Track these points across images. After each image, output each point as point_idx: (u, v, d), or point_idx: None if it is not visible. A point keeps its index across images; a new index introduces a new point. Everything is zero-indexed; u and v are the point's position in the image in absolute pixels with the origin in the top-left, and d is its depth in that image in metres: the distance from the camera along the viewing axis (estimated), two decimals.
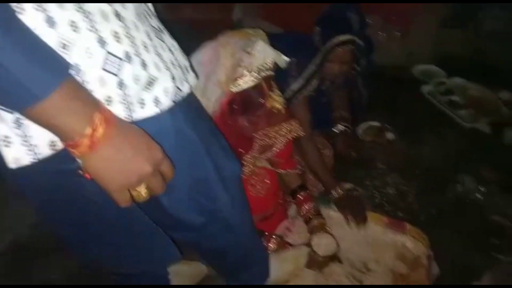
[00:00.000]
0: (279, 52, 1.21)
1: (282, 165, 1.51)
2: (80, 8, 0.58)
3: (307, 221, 1.52)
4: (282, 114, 1.33)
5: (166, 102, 0.71)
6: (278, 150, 1.42)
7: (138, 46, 0.66)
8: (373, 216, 1.60)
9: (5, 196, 1.65)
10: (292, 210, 1.63)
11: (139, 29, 0.68)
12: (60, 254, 1.62)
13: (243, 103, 1.23)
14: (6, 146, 0.62)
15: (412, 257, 1.47)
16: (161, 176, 0.66)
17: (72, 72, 0.57)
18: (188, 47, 0.88)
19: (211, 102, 1.19)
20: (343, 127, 2.01)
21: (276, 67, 1.24)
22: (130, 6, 0.68)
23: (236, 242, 1.17)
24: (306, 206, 1.53)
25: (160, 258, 1.09)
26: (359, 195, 1.80)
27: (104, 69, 0.61)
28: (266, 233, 1.49)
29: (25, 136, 0.61)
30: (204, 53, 1.21)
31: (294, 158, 1.61)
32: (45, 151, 0.63)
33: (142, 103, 0.68)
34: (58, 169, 0.68)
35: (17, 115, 0.59)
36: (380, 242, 1.52)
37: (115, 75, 0.63)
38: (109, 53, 0.61)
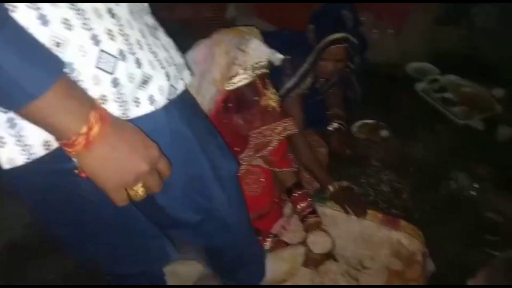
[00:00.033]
0: (273, 50, 1.21)
1: (277, 163, 1.51)
2: (73, 5, 0.58)
3: (303, 219, 1.53)
4: (277, 112, 1.33)
5: (161, 100, 0.71)
6: (273, 148, 1.42)
7: (132, 44, 0.66)
8: (368, 213, 1.61)
9: None
10: (287, 208, 1.64)
11: (133, 27, 0.68)
12: (56, 254, 1.62)
13: (237, 101, 1.23)
14: (0, 146, 0.61)
15: (407, 253, 1.48)
16: (158, 174, 0.66)
17: (66, 70, 0.56)
18: (182, 45, 0.87)
19: (206, 100, 1.19)
20: (338, 125, 2.01)
21: (271, 65, 1.24)
22: (123, 3, 0.67)
23: (233, 242, 1.17)
24: (302, 204, 1.53)
25: (157, 257, 1.09)
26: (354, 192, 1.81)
27: (98, 67, 0.61)
28: (262, 231, 1.49)
29: (19, 136, 0.61)
30: (198, 52, 1.21)
31: (289, 156, 1.61)
32: (39, 151, 0.62)
33: (137, 102, 0.67)
34: (52, 169, 0.67)
35: (11, 114, 0.59)
36: (375, 239, 1.53)
37: (110, 73, 0.62)
38: (103, 51, 0.61)
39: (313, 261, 1.45)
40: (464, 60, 2.70)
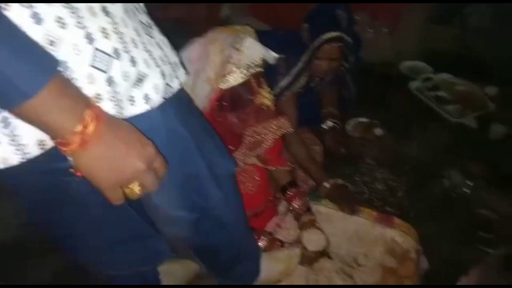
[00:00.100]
0: (268, 49, 1.21)
1: (271, 161, 1.52)
2: (67, 3, 0.57)
3: (297, 217, 1.53)
4: (271, 110, 1.34)
5: (156, 99, 0.71)
6: (267, 147, 1.42)
7: (127, 43, 0.66)
8: (362, 211, 1.62)
9: None
10: (282, 206, 1.64)
11: (128, 25, 0.67)
12: (50, 254, 1.61)
13: (232, 100, 1.23)
14: None
15: (401, 251, 1.49)
16: (154, 172, 0.65)
17: (60, 69, 0.56)
18: (176, 43, 0.87)
19: (200, 98, 1.19)
20: (332, 124, 2.02)
21: (265, 64, 1.24)
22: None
23: (229, 240, 1.17)
24: (296, 203, 1.53)
25: (151, 257, 1.09)
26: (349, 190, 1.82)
27: (93, 66, 0.60)
28: (257, 230, 1.50)
29: (13, 135, 0.60)
30: (192, 50, 1.21)
31: (283, 155, 1.62)
32: (33, 151, 0.62)
33: (132, 100, 0.67)
34: (47, 169, 0.67)
35: (5, 113, 0.58)
36: (369, 237, 1.53)
37: (104, 72, 0.62)
38: (97, 49, 0.60)
39: (307, 259, 1.45)
40: (457, 59, 2.71)
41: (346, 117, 2.25)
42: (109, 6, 0.64)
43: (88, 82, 0.60)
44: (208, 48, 1.18)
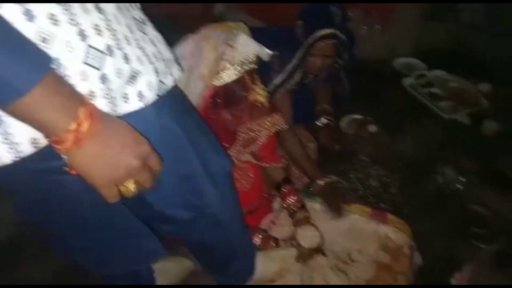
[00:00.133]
0: (262, 45, 1.21)
1: (266, 158, 1.51)
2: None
3: (292, 214, 1.53)
4: (266, 107, 1.33)
5: (150, 96, 0.71)
6: (261, 144, 1.42)
7: (119, 39, 0.65)
8: (357, 207, 1.62)
9: None
10: (276, 203, 1.64)
11: (120, 22, 0.67)
12: (45, 253, 1.60)
13: (226, 97, 1.23)
14: None
15: (395, 247, 1.50)
16: (149, 170, 0.65)
17: (53, 66, 0.56)
18: (169, 40, 0.87)
19: (194, 95, 1.19)
20: (326, 121, 2.02)
21: (259, 61, 1.23)
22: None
23: (225, 239, 1.17)
24: (291, 199, 1.53)
25: (145, 256, 1.09)
26: (342, 188, 1.82)
27: (86, 63, 0.60)
28: (251, 227, 1.50)
29: (6, 133, 0.60)
30: (186, 47, 1.21)
31: (278, 152, 1.62)
32: (27, 149, 0.62)
33: (125, 98, 0.67)
34: (40, 168, 0.67)
35: None
36: (363, 233, 1.54)
37: (97, 69, 0.62)
38: (90, 46, 0.60)
39: (302, 255, 1.46)
40: (451, 56, 2.72)
41: (340, 114, 2.25)
42: (101, 2, 0.64)
43: (81, 79, 0.60)
44: (201, 45, 1.17)
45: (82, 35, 0.59)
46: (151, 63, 0.72)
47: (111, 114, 0.64)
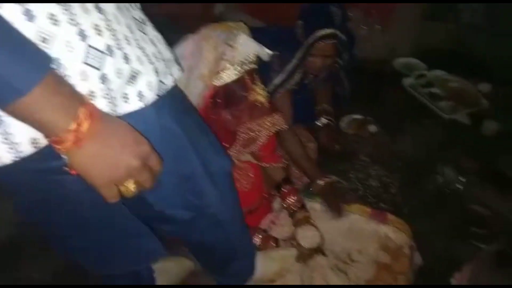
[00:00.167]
0: (262, 45, 1.21)
1: (266, 159, 1.51)
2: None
3: (292, 214, 1.53)
4: (265, 107, 1.33)
5: (150, 96, 0.71)
6: (261, 144, 1.42)
7: (119, 39, 0.65)
8: (357, 207, 1.62)
9: None
10: (276, 203, 1.64)
11: (120, 22, 0.67)
12: (45, 253, 1.60)
13: (226, 97, 1.23)
14: None
15: (395, 247, 1.50)
16: (150, 170, 0.65)
17: (53, 66, 0.56)
18: (169, 40, 0.87)
19: (194, 95, 1.19)
20: (326, 121, 2.02)
21: (259, 61, 1.23)
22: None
23: (225, 239, 1.17)
24: (291, 199, 1.53)
25: (145, 256, 1.09)
26: (342, 188, 1.82)
27: (86, 63, 0.60)
28: (251, 227, 1.50)
29: (6, 133, 0.60)
30: (186, 47, 1.21)
31: (278, 152, 1.62)
32: (27, 149, 0.62)
33: (125, 98, 0.67)
34: (40, 168, 0.67)
35: None
36: (363, 233, 1.54)
37: (97, 69, 0.62)
38: (90, 46, 0.60)
39: (302, 255, 1.46)
40: (450, 56, 2.72)
41: (340, 114, 2.26)
42: (101, 2, 0.64)
43: (81, 79, 0.60)
44: (201, 45, 1.17)
45: (82, 35, 0.59)
46: (151, 63, 0.72)
47: (111, 114, 0.64)
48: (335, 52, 1.79)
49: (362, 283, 1.42)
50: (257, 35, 1.25)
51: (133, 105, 0.68)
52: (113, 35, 0.64)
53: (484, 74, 2.57)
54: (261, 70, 1.29)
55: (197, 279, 1.53)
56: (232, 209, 1.15)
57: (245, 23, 1.26)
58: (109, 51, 0.63)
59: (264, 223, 1.59)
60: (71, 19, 0.58)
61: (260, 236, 1.51)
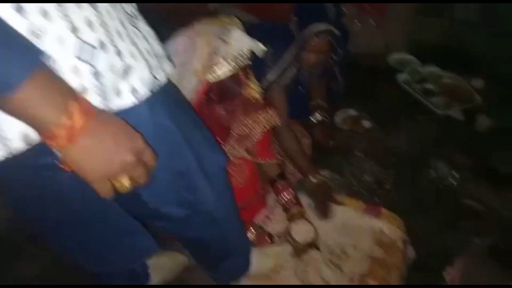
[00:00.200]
0: (256, 41, 1.21)
1: (260, 154, 1.52)
2: None
3: (286, 209, 1.54)
4: (259, 103, 1.33)
5: (143, 92, 0.70)
6: (256, 140, 1.42)
7: (112, 34, 0.65)
8: (351, 202, 1.63)
9: None
10: (271, 198, 1.64)
11: (113, 17, 0.67)
12: (37, 249, 1.60)
13: (220, 92, 1.23)
14: None
15: (389, 241, 1.50)
16: (144, 165, 0.65)
17: (45, 61, 0.55)
18: (162, 35, 0.86)
19: (187, 91, 1.18)
20: (321, 116, 2.03)
21: (253, 56, 1.23)
22: None
23: (220, 235, 1.17)
24: (285, 195, 1.54)
25: (138, 253, 1.09)
26: (334, 187, 1.83)
27: (78, 58, 0.60)
28: (245, 222, 1.50)
29: None
30: (179, 42, 1.20)
31: (272, 148, 1.62)
32: (18, 146, 0.61)
33: (118, 93, 0.66)
34: (34, 164, 0.67)
35: None
36: (357, 228, 1.55)
37: (90, 64, 0.61)
38: (82, 41, 0.60)
39: (296, 250, 1.46)
40: (444, 52, 2.73)
41: (335, 110, 2.26)
42: None
43: (73, 74, 0.60)
44: (195, 40, 1.17)
45: (74, 30, 0.59)
46: (144, 58, 0.72)
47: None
48: (329, 48, 1.79)
49: (356, 277, 1.42)
50: (251, 30, 1.25)
51: (126, 100, 0.68)
52: (106, 30, 0.64)
53: (477, 70, 2.58)
54: (255, 66, 1.29)
55: (192, 274, 1.53)
56: (228, 206, 1.15)
57: (239, 18, 1.26)
58: (102, 46, 0.63)
59: (259, 219, 1.59)
60: (63, 14, 0.58)
61: (255, 231, 1.52)
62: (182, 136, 0.87)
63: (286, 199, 1.53)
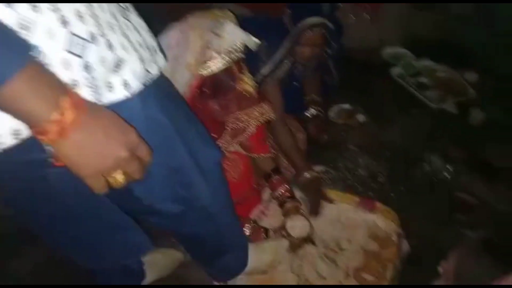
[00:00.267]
0: (249, 34, 1.20)
1: (254, 149, 1.51)
2: None
3: (282, 204, 1.53)
4: (254, 97, 1.33)
5: (135, 85, 0.69)
6: (250, 134, 1.41)
7: (103, 27, 0.64)
8: (346, 196, 1.63)
9: None
10: (266, 193, 1.64)
11: (104, 8, 0.65)
12: (30, 245, 1.58)
13: (213, 87, 1.22)
14: None
15: (383, 235, 1.51)
16: (138, 160, 0.63)
17: (34, 54, 0.54)
18: (155, 28, 0.85)
19: (180, 85, 1.17)
20: (315, 111, 2.02)
21: (246, 50, 1.22)
22: None
23: (216, 231, 1.17)
24: (280, 190, 1.54)
25: (132, 250, 1.08)
26: (327, 181, 1.83)
27: (68, 51, 0.59)
28: (241, 218, 1.50)
29: None
30: (172, 35, 1.19)
31: (267, 142, 1.62)
32: (8, 141, 0.60)
33: (110, 86, 0.65)
34: (25, 159, 0.66)
35: None
36: (352, 222, 1.56)
37: (80, 57, 0.60)
38: (72, 34, 0.59)
39: (292, 245, 1.46)
40: (438, 45, 2.73)
41: (329, 104, 2.26)
42: None
43: (64, 68, 0.59)
44: (187, 34, 1.16)
45: (64, 22, 0.58)
46: (136, 50, 0.70)
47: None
48: (323, 41, 1.78)
49: (351, 271, 1.43)
50: (245, 24, 1.24)
51: (118, 94, 0.66)
52: (96, 22, 0.63)
53: (471, 64, 2.59)
54: (249, 60, 1.28)
55: (187, 271, 1.53)
56: (223, 201, 1.14)
57: (232, 12, 1.25)
58: (92, 38, 0.61)
59: (254, 214, 1.59)
60: (52, 6, 0.56)
61: (250, 226, 1.51)
62: (175, 130, 0.86)
63: (281, 194, 1.53)
